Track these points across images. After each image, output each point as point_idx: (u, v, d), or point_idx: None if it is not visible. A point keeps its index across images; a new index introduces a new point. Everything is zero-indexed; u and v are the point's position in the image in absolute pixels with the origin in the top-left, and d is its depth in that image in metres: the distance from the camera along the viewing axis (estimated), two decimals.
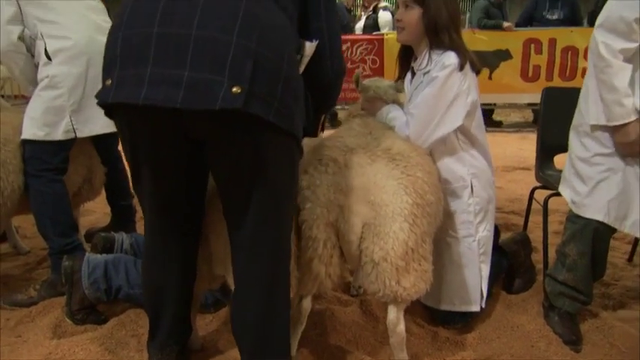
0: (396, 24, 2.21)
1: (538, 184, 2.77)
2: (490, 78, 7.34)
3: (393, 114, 2.19)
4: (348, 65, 7.34)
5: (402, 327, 1.81)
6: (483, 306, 2.28)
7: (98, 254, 2.27)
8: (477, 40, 7.18)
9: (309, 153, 1.86)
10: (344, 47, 7.27)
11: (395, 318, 1.79)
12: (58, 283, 2.30)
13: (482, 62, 8.08)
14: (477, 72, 2.18)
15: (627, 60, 1.93)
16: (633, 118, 1.92)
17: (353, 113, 2.42)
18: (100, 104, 1.39)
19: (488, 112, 8.12)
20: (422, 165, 1.88)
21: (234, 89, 1.26)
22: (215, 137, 1.41)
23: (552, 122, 2.72)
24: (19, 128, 2.36)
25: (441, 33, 2.07)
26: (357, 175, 1.75)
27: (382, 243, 1.71)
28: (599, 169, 2.05)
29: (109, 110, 1.45)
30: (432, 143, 2.09)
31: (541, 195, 2.64)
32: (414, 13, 2.10)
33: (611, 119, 1.96)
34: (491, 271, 2.30)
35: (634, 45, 1.90)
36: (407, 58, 2.31)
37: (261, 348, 1.57)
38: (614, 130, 1.98)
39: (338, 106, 7.53)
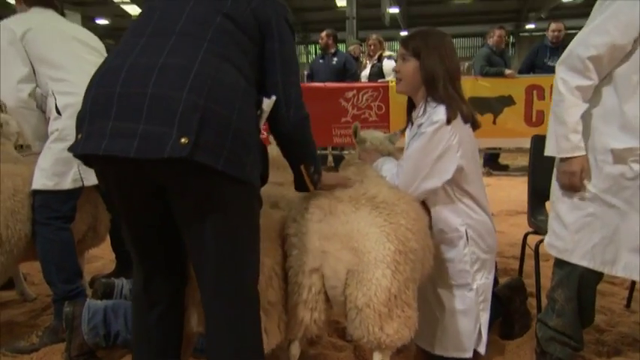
0: (395, 75, 2.32)
1: (531, 230, 2.81)
2: (494, 123, 7.45)
3: (386, 166, 2.29)
4: (354, 112, 7.53)
5: None
6: (483, 352, 2.30)
7: (99, 300, 2.35)
8: (480, 86, 7.35)
9: (299, 202, 1.95)
10: (350, 94, 7.48)
11: None
12: (60, 329, 2.37)
13: (487, 108, 8.19)
14: (473, 124, 2.24)
15: (586, 100, 2.03)
16: (577, 153, 2.02)
17: (350, 162, 2.53)
18: (75, 156, 1.54)
19: (494, 156, 8.20)
20: (407, 212, 1.94)
21: (182, 140, 1.37)
22: (171, 185, 1.52)
23: (542, 168, 2.76)
24: (29, 179, 2.49)
25: (437, 84, 2.16)
26: (341, 222, 1.83)
27: (365, 289, 1.76)
28: (580, 214, 2.10)
29: (86, 162, 1.58)
30: (420, 194, 2.17)
31: (535, 240, 2.67)
32: (411, 65, 2.20)
33: (559, 151, 2.06)
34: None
35: (589, 82, 2.00)
36: (411, 109, 2.39)
37: None
38: (560, 161, 2.09)
39: (345, 151, 7.69)
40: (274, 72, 1.70)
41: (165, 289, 1.76)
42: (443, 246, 2.28)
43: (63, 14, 2.76)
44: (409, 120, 2.39)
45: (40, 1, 2.62)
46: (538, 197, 2.81)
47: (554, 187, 2.23)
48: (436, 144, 2.10)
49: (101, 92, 1.49)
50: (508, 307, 2.64)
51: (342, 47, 9.68)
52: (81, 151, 1.48)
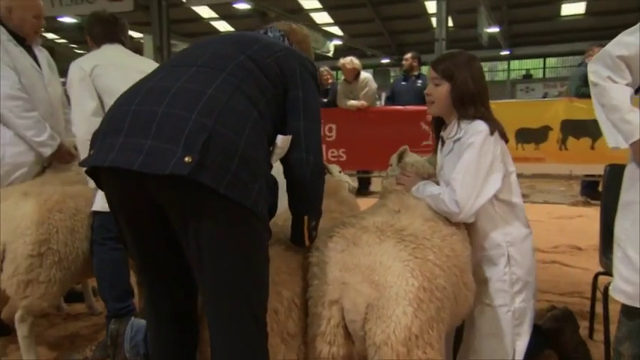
0: (426, 98, 2.31)
1: (602, 270, 2.55)
2: (592, 148, 6.93)
3: (428, 188, 2.20)
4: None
5: None
6: None
7: (142, 319, 2.43)
8: (576, 108, 6.86)
9: (324, 230, 1.91)
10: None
11: None
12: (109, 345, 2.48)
13: (583, 131, 7.63)
14: (506, 141, 2.22)
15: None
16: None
17: (388, 189, 2.44)
18: (85, 172, 1.61)
19: (592, 183, 7.59)
20: (440, 248, 1.85)
21: (187, 159, 1.39)
22: (171, 205, 1.53)
23: (616, 202, 2.52)
24: (91, 200, 2.65)
25: (467, 105, 2.16)
26: (363, 254, 1.76)
27: (384, 326, 1.67)
28: None
29: (95, 177, 1.64)
30: (476, 209, 2.09)
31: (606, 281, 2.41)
32: (443, 88, 2.20)
33: (626, 138, 1.93)
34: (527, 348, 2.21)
35: (621, 80, 1.94)
36: (439, 128, 2.37)
37: None
38: (633, 151, 1.95)
39: (375, 173, 7.60)
40: (297, 117, 1.74)
41: (172, 310, 1.77)
42: (482, 265, 2.21)
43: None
44: (438, 139, 2.38)
45: (106, 38, 2.85)
46: (610, 234, 2.54)
47: (621, 223, 2.02)
48: (486, 153, 2.09)
49: (118, 111, 1.56)
50: (557, 340, 2.49)
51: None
52: (89, 164, 1.53)
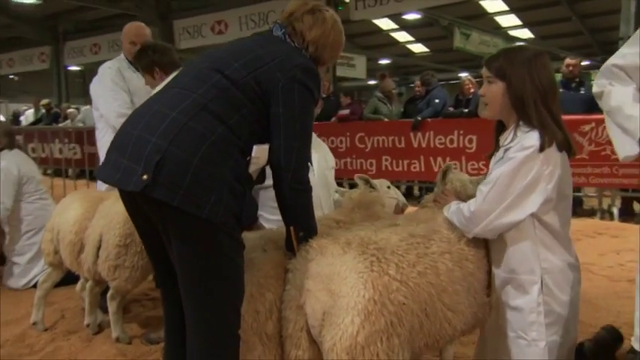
0: (481, 99, 2.18)
1: None
2: None
3: (454, 207, 2.14)
4: (592, 147, 6.65)
5: None
6: None
7: None
8: None
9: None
10: (587, 128, 6.60)
11: None
12: None
13: None
14: (571, 153, 2.02)
15: None
16: None
17: (425, 204, 2.46)
18: None
19: None
20: (411, 264, 1.87)
21: (144, 177, 1.65)
22: (152, 216, 1.81)
23: None
24: None
25: (527, 107, 1.98)
26: (327, 263, 1.86)
27: (333, 333, 1.76)
28: None
29: None
30: (497, 227, 1.99)
31: None
32: (498, 88, 2.05)
33: (633, 136, 1.82)
34: None
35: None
36: (499, 134, 2.20)
37: None
38: None
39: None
40: (277, 135, 1.87)
41: (177, 316, 1.96)
42: (511, 290, 2.06)
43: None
44: (496, 144, 2.19)
45: (175, 66, 3.19)
46: None
47: None
48: (526, 172, 1.92)
49: (120, 130, 1.89)
50: None
51: None
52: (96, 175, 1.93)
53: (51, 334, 3.18)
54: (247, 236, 2.13)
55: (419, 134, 7.31)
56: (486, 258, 2.16)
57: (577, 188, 7.39)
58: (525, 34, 20.45)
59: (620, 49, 1.90)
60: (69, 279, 3.31)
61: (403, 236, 1.99)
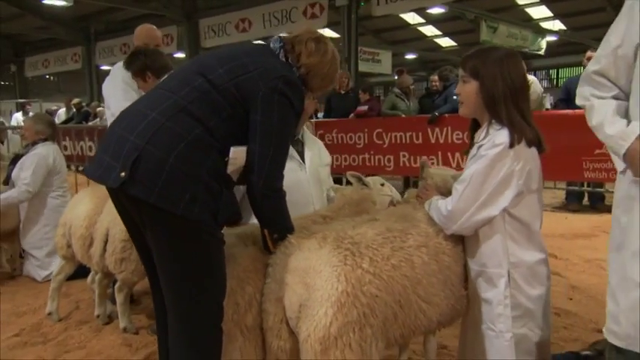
0: (458, 98, 2.22)
1: None
2: None
3: (434, 204, 2.20)
4: None
5: None
6: None
7: None
8: None
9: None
10: None
11: None
12: None
13: None
14: (539, 147, 2.06)
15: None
16: (631, 139, 1.70)
17: (407, 199, 2.53)
18: None
19: None
20: (385, 257, 1.93)
21: (122, 174, 1.74)
22: (131, 210, 1.91)
23: None
24: None
25: (497, 105, 2.03)
26: (303, 258, 1.94)
27: (308, 324, 1.83)
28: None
29: None
30: (473, 224, 2.05)
31: None
32: (471, 87, 2.09)
33: (616, 153, 1.77)
34: None
35: (603, 94, 1.82)
36: (475, 131, 2.24)
37: None
38: (628, 163, 1.75)
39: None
40: (253, 140, 1.93)
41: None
42: (482, 283, 2.12)
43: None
44: (471, 141, 2.23)
45: (166, 69, 3.23)
46: None
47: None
48: (498, 169, 1.97)
49: (108, 129, 2.00)
50: None
51: None
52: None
53: (64, 323, 3.36)
54: (230, 232, 2.22)
55: (436, 130, 7.27)
56: (464, 252, 2.20)
57: (599, 184, 7.27)
58: (556, 25, 20.01)
59: (596, 54, 1.86)
60: (84, 272, 3.47)
61: (380, 231, 2.04)
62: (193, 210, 1.80)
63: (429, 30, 22.18)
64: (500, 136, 1.99)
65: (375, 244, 1.96)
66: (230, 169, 1.94)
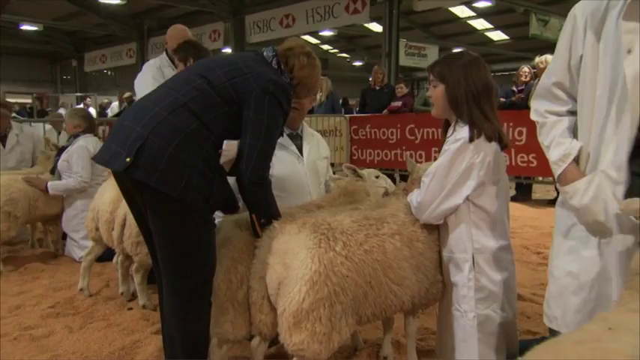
0: (430, 100, 2.42)
1: None
2: None
3: (412, 197, 2.36)
4: None
5: None
6: None
7: None
8: None
9: None
10: None
11: None
12: None
13: None
14: (503, 145, 2.22)
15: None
16: (566, 162, 1.83)
17: (395, 192, 2.69)
18: None
19: None
20: (359, 243, 2.11)
21: (127, 159, 1.98)
22: (134, 194, 2.15)
23: None
24: None
25: (460, 106, 2.20)
26: (284, 240, 2.13)
27: (284, 300, 2.03)
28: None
29: None
30: (440, 213, 2.23)
31: None
32: (439, 90, 2.27)
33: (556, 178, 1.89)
34: None
35: (560, 108, 1.88)
36: (447, 130, 2.43)
37: None
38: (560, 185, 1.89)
39: None
40: (245, 134, 2.15)
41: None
42: (452, 268, 2.30)
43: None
44: (443, 140, 2.39)
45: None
46: None
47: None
48: (460, 161, 2.15)
49: (117, 120, 2.25)
50: None
51: None
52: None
53: (94, 299, 3.68)
54: (227, 218, 2.45)
55: None
56: (438, 240, 2.36)
57: None
58: None
59: (549, 66, 1.94)
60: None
61: (357, 219, 2.21)
62: (188, 194, 2.03)
63: (480, 23, 21.75)
64: (461, 132, 2.16)
65: (350, 231, 2.13)
66: (223, 160, 2.16)
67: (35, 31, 19.61)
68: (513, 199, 7.73)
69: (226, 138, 2.15)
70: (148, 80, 3.95)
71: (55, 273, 4.36)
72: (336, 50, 27.04)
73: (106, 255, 3.77)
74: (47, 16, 18.73)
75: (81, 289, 3.73)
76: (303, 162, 2.86)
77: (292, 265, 2.05)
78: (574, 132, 1.88)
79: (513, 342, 2.34)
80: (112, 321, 3.27)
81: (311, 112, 10.11)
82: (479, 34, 22.64)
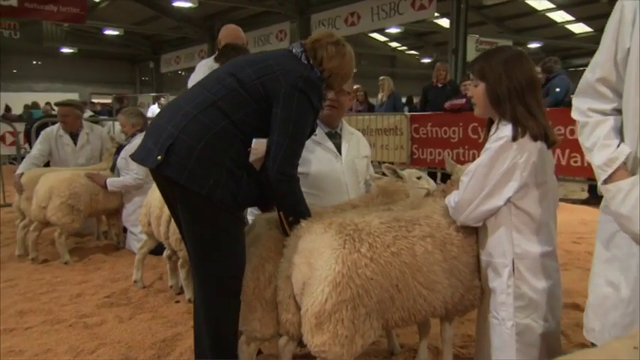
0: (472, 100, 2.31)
1: None
2: None
3: (450, 198, 2.28)
4: None
5: None
6: None
7: None
8: None
9: None
10: None
11: None
12: None
13: None
14: (549, 143, 2.09)
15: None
16: (613, 166, 1.66)
17: (434, 193, 2.61)
18: None
19: None
20: (385, 245, 2.05)
21: (159, 157, 2.03)
22: (167, 191, 2.21)
23: None
24: None
25: (502, 103, 2.10)
26: (310, 240, 2.11)
27: (308, 300, 2.01)
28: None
29: None
30: (479, 215, 2.13)
31: None
32: (480, 89, 2.17)
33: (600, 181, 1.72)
34: None
35: (604, 106, 1.73)
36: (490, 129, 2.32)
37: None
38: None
39: None
40: (273, 131, 2.16)
41: None
42: (490, 272, 2.20)
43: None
44: (486, 139, 2.28)
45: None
46: None
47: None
48: (502, 161, 2.04)
49: (153, 120, 2.33)
50: None
51: None
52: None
53: (146, 291, 3.84)
54: (260, 216, 2.47)
55: None
56: (477, 243, 2.26)
57: None
58: None
59: (593, 60, 1.77)
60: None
61: (386, 220, 2.15)
62: (216, 191, 2.06)
63: (559, 16, 20.71)
64: (504, 130, 2.04)
65: (377, 232, 2.08)
66: (252, 158, 2.17)
67: (117, 35, 20.75)
68: (585, 202, 7.32)
69: (255, 136, 2.16)
70: (199, 79, 4.05)
71: (114, 265, 4.59)
72: (404, 47, 26.70)
73: (159, 249, 3.92)
74: (127, 21, 19.78)
75: (135, 281, 3.89)
76: (341, 161, 2.83)
77: (316, 265, 2.03)
78: (620, 132, 1.72)
79: (556, 354, 2.19)
80: (159, 313, 3.39)
81: (371, 110, 10.07)
82: (558, 26, 21.57)
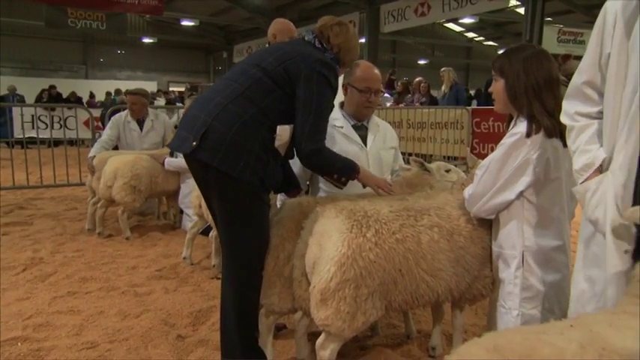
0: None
1: None
2: None
3: (466, 190, 2.37)
4: None
5: (324, 353, 2.17)
6: None
7: None
8: None
9: None
10: None
11: (321, 342, 2.19)
12: None
13: None
14: (563, 138, 2.10)
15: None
16: (588, 171, 1.72)
17: (454, 185, 2.69)
18: None
19: None
20: (391, 231, 2.17)
21: (194, 143, 2.24)
22: (200, 175, 2.40)
23: None
24: None
25: (519, 100, 2.16)
26: (322, 224, 2.26)
27: (315, 277, 2.18)
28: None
29: None
30: (491, 207, 2.22)
31: None
32: (499, 85, 2.23)
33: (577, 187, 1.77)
34: None
35: (591, 109, 1.76)
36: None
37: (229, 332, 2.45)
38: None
39: None
40: (298, 112, 2.35)
41: None
42: (500, 263, 2.27)
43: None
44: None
45: None
46: None
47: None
48: (515, 156, 2.12)
49: (188, 110, 2.51)
50: None
51: None
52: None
53: (193, 267, 4.15)
54: (287, 202, 2.65)
55: None
56: (489, 235, 2.32)
57: None
58: None
59: (580, 64, 1.79)
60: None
61: (396, 209, 2.27)
62: (245, 174, 2.26)
63: None
64: (520, 126, 2.10)
65: (385, 219, 2.20)
66: (277, 143, 2.37)
67: (192, 25, 21.61)
68: None
69: (281, 122, 2.36)
70: None
71: (169, 242, 4.95)
72: (481, 38, 25.97)
73: (209, 229, 4.20)
74: (203, 12, 20.54)
75: (184, 258, 4.21)
76: (366, 152, 2.94)
77: (325, 247, 2.18)
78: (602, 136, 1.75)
79: None
80: (201, 287, 3.67)
81: (434, 103, 9.98)
82: None
